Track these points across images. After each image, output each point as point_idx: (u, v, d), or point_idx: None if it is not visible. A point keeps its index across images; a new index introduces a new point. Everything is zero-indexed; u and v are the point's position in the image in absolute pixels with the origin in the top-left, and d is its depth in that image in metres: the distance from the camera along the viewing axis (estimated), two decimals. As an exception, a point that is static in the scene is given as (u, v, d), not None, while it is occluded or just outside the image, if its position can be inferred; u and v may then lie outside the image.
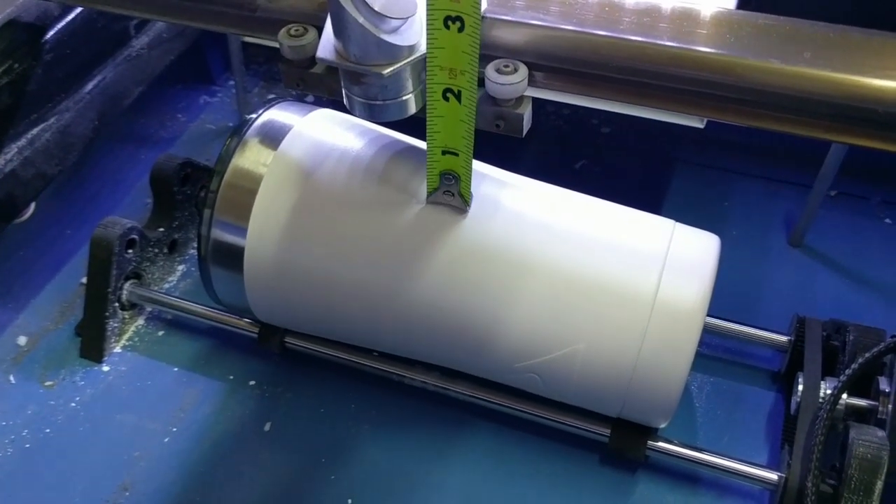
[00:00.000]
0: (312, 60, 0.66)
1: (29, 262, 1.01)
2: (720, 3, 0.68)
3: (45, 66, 0.92)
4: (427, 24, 0.58)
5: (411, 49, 0.62)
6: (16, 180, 0.90)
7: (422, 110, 0.65)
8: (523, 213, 0.74)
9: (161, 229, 0.95)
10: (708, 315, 0.71)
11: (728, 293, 0.89)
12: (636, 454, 0.78)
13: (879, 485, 0.66)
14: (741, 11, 0.62)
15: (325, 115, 0.82)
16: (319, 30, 0.65)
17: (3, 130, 0.89)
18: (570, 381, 0.73)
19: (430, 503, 0.79)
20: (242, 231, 0.77)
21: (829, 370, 0.80)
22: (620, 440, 0.78)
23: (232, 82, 1.24)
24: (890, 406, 0.72)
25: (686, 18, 0.61)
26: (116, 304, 0.91)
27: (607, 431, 0.78)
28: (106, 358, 0.91)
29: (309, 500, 0.79)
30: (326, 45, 0.63)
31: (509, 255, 0.72)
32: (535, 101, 0.65)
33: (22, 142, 0.91)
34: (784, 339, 0.85)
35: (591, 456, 0.81)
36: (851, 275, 0.98)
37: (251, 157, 0.78)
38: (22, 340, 0.93)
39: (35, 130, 0.92)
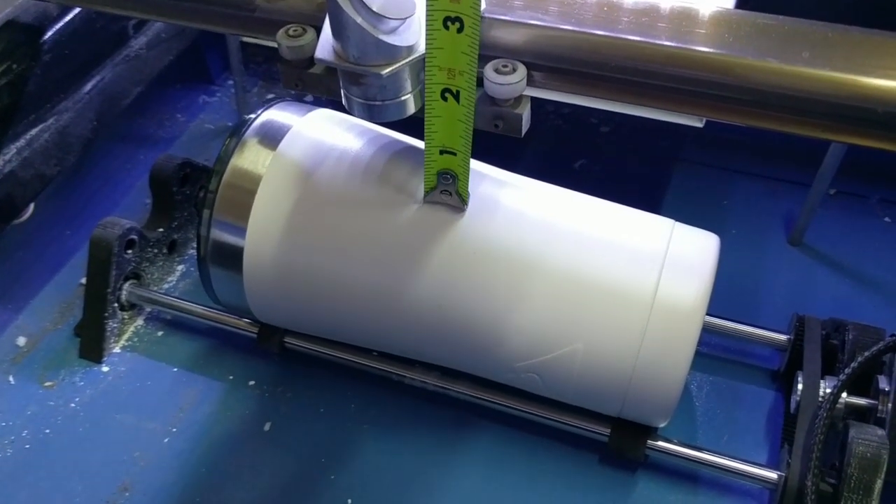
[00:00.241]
0: (311, 61, 0.66)
1: (28, 263, 1.01)
2: (719, 3, 0.68)
3: (43, 66, 0.92)
4: (426, 25, 0.58)
5: (410, 49, 0.62)
6: (15, 181, 0.90)
7: (421, 110, 0.65)
8: (522, 213, 0.74)
9: (160, 230, 0.95)
10: (707, 314, 0.71)
11: (727, 292, 0.89)
12: (636, 454, 0.78)
13: (879, 483, 0.67)
14: (740, 11, 0.62)
15: (324, 115, 0.82)
16: (318, 30, 0.65)
17: (2, 131, 0.89)
18: (569, 380, 0.73)
19: (429, 502, 0.79)
20: (242, 231, 0.77)
21: (828, 369, 0.80)
22: (620, 439, 0.78)
23: (231, 82, 1.24)
24: (889, 405, 0.72)
25: (685, 18, 0.61)
26: (116, 305, 0.91)
27: (607, 431, 0.78)
28: (105, 358, 0.91)
29: (309, 500, 0.79)
30: (325, 45, 0.63)
31: (507, 254, 0.72)
32: (534, 100, 0.65)
33: (21, 142, 0.91)
34: (783, 337, 0.85)
35: (590, 455, 0.81)
36: (851, 273, 0.98)
37: (250, 157, 0.78)
38: (21, 341, 0.93)
39: (34, 131, 0.92)
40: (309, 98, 1.12)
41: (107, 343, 0.91)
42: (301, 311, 0.81)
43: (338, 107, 0.72)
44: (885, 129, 0.56)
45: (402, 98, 0.64)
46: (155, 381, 0.89)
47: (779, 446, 0.81)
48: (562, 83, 0.63)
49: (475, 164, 0.75)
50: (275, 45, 0.67)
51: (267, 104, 0.83)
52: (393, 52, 0.61)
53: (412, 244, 0.73)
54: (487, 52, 0.62)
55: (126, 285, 0.91)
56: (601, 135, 1.17)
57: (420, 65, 0.62)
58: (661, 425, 0.77)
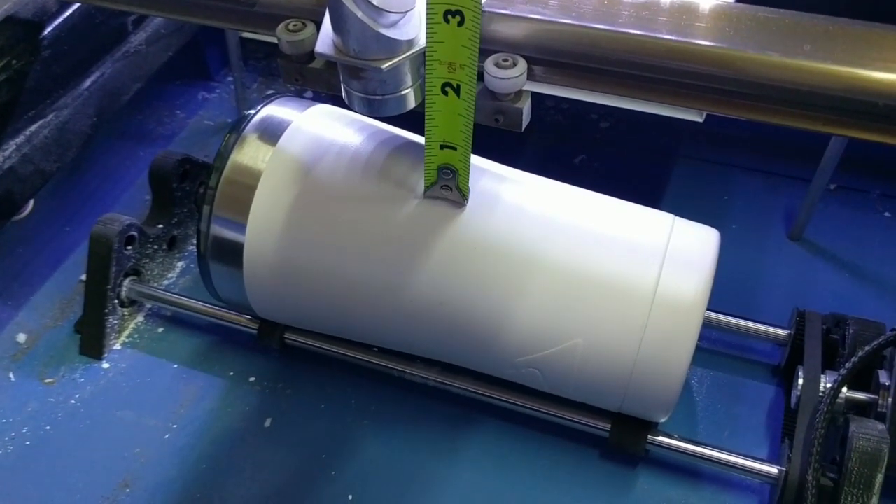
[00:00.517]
0: (311, 55, 0.66)
1: (28, 260, 1.01)
2: (719, -3, 0.68)
3: (42, 62, 0.92)
4: (427, 19, 0.58)
5: (410, 43, 0.62)
6: (14, 177, 0.90)
7: (421, 105, 0.65)
8: (522, 208, 0.74)
9: (160, 226, 0.95)
10: (708, 309, 0.71)
11: (728, 287, 0.89)
12: (636, 448, 0.78)
13: (879, 478, 0.67)
14: (740, 4, 0.62)
15: (324, 110, 0.82)
16: (318, 24, 0.65)
17: (2, 127, 0.89)
18: (570, 375, 0.73)
19: (430, 498, 0.79)
20: (242, 227, 0.77)
21: (829, 364, 0.80)
22: (621, 435, 0.78)
23: (230, 78, 1.24)
24: (890, 399, 0.72)
25: (685, 12, 0.60)
26: (116, 301, 0.91)
27: (608, 426, 0.78)
28: (106, 355, 0.91)
29: (309, 495, 0.79)
30: (325, 39, 0.63)
31: (508, 249, 0.72)
32: (534, 96, 0.65)
33: (20, 138, 0.91)
34: (784, 332, 0.85)
35: (591, 451, 0.81)
36: (851, 268, 0.98)
37: (250, 152, 0.78)
38: (21, 338, 0.93)
39: (33, 127, 0.92)
40: (308, 94, 1.12)
41: (107, 340, 0.91)
42: (301, 307, 0.81)
43: (337, 102, 0.72)
44: (885, 123, 0.56)
45: (403, 92, 0.64)
46: (155, 378, 0.89)
47: (779, 441, 0.81)
48: (562, 77, 0.63)
49: (475, 160, 0.74)
50: (274, 40, 0.66)
51: (266, 100, 0.83)
52: (393, 46, 0.61)
53: (412, 240, 0.73)
54: (487, 47, 0.61)
55: (126, 282, 0.91)
56: (601, 130, 1.17)
57: (420, 59, 0.62)
58: (662, 420, 0.77)
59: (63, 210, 1.06)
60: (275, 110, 0.81)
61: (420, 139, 0.70)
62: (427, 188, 0.72)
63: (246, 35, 1.14)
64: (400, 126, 0.80)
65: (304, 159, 0.77)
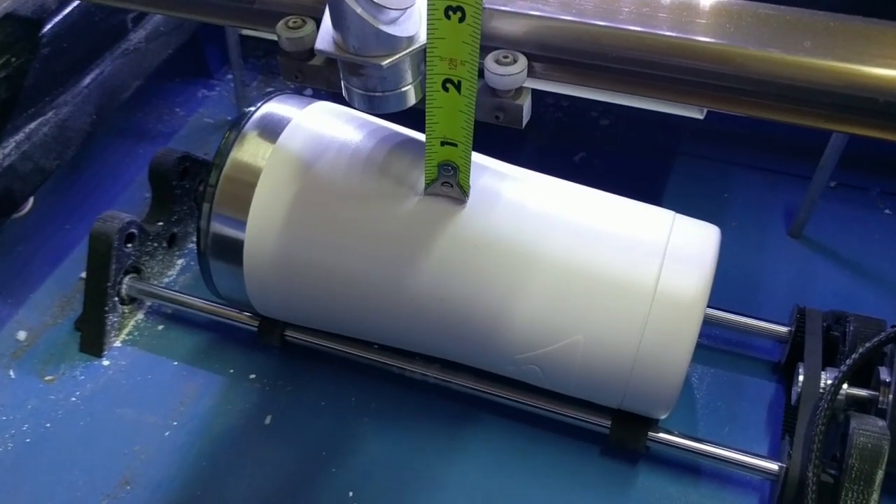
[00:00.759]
0: (311, 52, 0.66)
1: (28, 257, 1.01)
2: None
3: (42, 59, 0.92)
4: (428, 14, 0.57)
5: (410, 40, 0.61)
6: (14, 175, 0.90)
7: (421, 101, 0.65)
8: (522, 205, 0.74)
9: (160, 223, 0.95)
10: (708, 306, 0.71)
11: (728, 284, 0.89)
12: (637, 445, 0.78)
13: (880, 474, 0.67)
14: (741, 1, 0.62)
15: (324, 107, 0.82)
16: (318, 21, 0.65)
17: (1, 125, 0.89)
18: (570, 372, 0.73)
19: (430, 495, 0.79)
20: (242, 224, 0.77)
21: (829, 360, 0.80)
22: (621, 431, 0.78)
23: (230, 76, 1.24)
24: (890, 396, 0.72)
25: (685, 8, 0.60)
26: (116, 299, 0.91)
27: (608, 423, 0.78)
28: (106, 352, 0.91)
29: (310, 493, 0.79)
30: (325, 36, 0.63)
31: (508, 246, 0.72)
32: (534, 93, 0.65)
33: (20, 136, 0.90)
34: (784, 329, 0.85)
35: (591, 447, 0.81)
36: (851, 265, 0.98)
37: (250, 150, 0.78)
38: (21, 335, 0.93)
39: (33, 125, 0.92)
40: (308, 91, 1.12)
41: (107, 337, 0.91)
42: (302, 304, 0.81)
43: (337, 100, 0.72)
44: (886, 119, 0.56)
45: (403, 89, 0.64)
46: (155, 375, 0.89)
47: (780, 438, 0.81)
48: (563, 74, 0.63)
49: (475, 157, 0.74)
50: (274, 37, 0.66)
51: (266, 97, 0.83)
52: (393, 43, 0.61)
53: (413, 236, 0.73)
54: (488, 43, 0.62)
55: (126, 279, 0.91)
56: (601, 128, 1.17)
57: (420, 56, 0.62)
58: (663, 417, 0.77)
59: (63, 208, 1.06)
60: (275, 107, 0.81)
61: (420, 136, 0.70)
62: (428, 185, 0.72)
63: (246, 32, 1.14)
64: (400, 123, 0.80)
65: (305, 156, 0.77)
